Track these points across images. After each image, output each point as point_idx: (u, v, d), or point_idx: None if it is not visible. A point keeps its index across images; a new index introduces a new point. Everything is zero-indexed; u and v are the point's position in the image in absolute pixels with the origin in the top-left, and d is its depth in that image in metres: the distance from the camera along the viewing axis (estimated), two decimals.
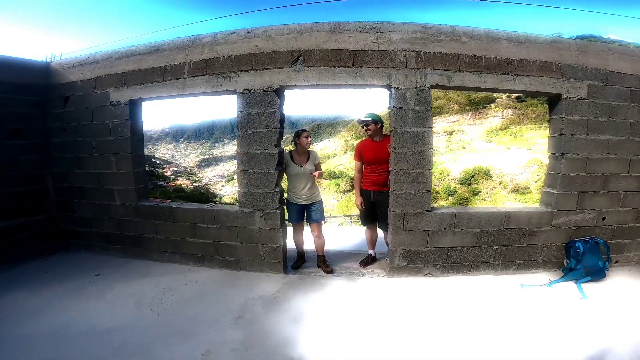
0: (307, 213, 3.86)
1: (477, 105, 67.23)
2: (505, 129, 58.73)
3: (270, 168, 3.57)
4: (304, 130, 3.71)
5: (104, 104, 4.12)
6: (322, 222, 3.89)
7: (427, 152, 3.47)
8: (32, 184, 4.39)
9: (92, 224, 4.47)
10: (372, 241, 4.16)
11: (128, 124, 4.04)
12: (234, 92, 3.60)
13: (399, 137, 3.43)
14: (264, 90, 3.48)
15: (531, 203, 41.26)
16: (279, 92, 3.52)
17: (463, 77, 3.44)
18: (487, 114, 65.40)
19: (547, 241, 3.64)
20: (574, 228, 3.64)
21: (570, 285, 3.36)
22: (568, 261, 3.53)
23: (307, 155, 3.79)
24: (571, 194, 3.62)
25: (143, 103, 4.17)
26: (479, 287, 3.44)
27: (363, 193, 3.90)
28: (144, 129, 4.31)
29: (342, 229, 7.70)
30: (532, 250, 3.65)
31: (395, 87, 3.40)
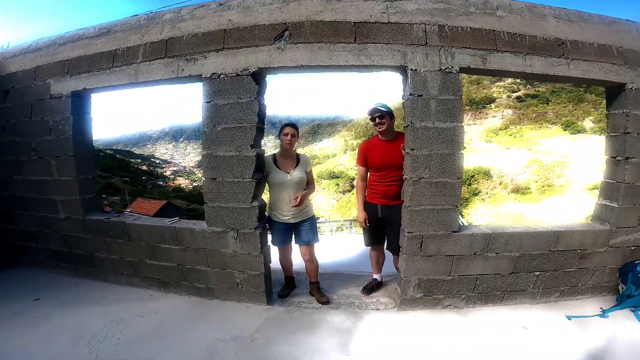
0: (295, 233, 3.00)
1: (477, 105, 66.38)
2: (506, 129, 57.88)
3: (245, 175, 2.69)
4: (288, 124, 2.82)
5: (44, 97, 3.31)
6: (315, 243, 3.03)
7: (456, 154, 2.61)
8: None
9: (37, 239, 3.71)
10: (378, 264, 3.32)
11: (70, 120, 3.20)
12: (198, 77, 2.74)
13: (418, 134, 2.56)
14: (238, 75, 2.62)
15: (532, 203, 40.62)
16: (257, 77, 2.66)
17: (502, 59, 2.60)
18: (486, 114, 64.58)
19: (600, 264, 2.95)
20: (632, 248, 2.95)
21: (627, 314, 2.75)
22: (624, 286, 2.88)
23: (296, 159, 2.93)
24: (634, 207, 2.84)
25: (91, 95, 3.41)
26: (515, 320, 2.76)
27: (368, 207, 3.04)
28: (91, 126, 3.45)
29: (340, 238, 6.82)
30: (581, 274, 2.95)
31: (412, 69, 2.53)
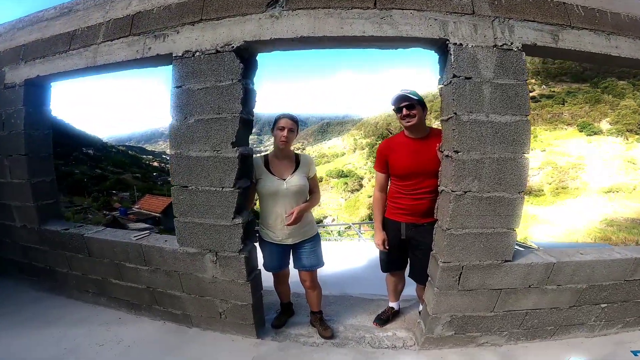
0: (293, 255, 2.33)
1: None
2: None
3: (224, 183, 2.01)
4: (284, 115, 2.13)
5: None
6: (319, 268, 2.36)
7: (519, 160, 1.88)
8: None
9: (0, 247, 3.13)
10: (397, 292, 2.64)
11: (22, 113, 2.61)
12: (168, 57, 2.08)
13: (466, 131, 1.84)
14: (218, 51, 1.94)
15: (545, 206, 39.28)
16: (243, 54, 1.98)
17: (580, 38, 1.93)
18: None
19: None
20: None
21: None
22: None
23: (295, 161, 2.23)
24: None
25: (50, 85, 2.82)
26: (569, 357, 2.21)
27: (388, 225, 2.33)
28: (49, 120, 2.82)
29: (347, 246, 6.12)
30: None
31: (456, 44, 1.82)
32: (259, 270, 2.34)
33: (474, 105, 1.82)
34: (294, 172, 2.16)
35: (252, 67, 2.07)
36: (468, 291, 2.07)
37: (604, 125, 49.52)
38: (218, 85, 1.92)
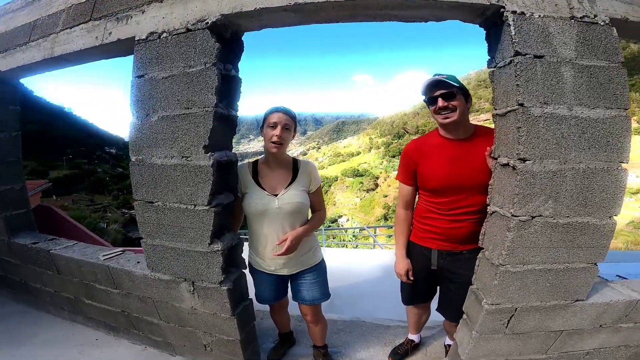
0: (291, 285, 1.84)
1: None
2: None
3: (197, 200, 1.53)
4: (275, 109, 1.57)
5: None
6: (323, 302, 1.85)
7: (615, 172, 1.31)
8: None
9: None
10: (420, 324, 2.12)
11: None
12: (130, 44, 1.62)
13: (537, 130, 1.27)
14: (188, 30, 1.46)
15: None
16: (222, 32, 1.49)
17: None
18: None
19: None
20: None
21: None
22: None
23: (292, 170, 1.68)
24: None
25: (17, 82, 2.44)
26: None
27: (414, 251, 1.78)
28: (16, 120, 2.43)
29: (360, 254, 5.58)
30: None
31: (515, 12, 1.25)
32: (250, 300, 1.87)
33: (551, 93, 1.24)
34: (289, 184, 1.62)
35: (236, 50, 1.59)
36: (518, 334, 1.54)
37: (632, 124, 46.81)
38: (187, 72, 1.44)
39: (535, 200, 1.29)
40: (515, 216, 1.29)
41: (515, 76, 1.24)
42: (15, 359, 2.04)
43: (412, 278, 1.77)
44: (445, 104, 1.45)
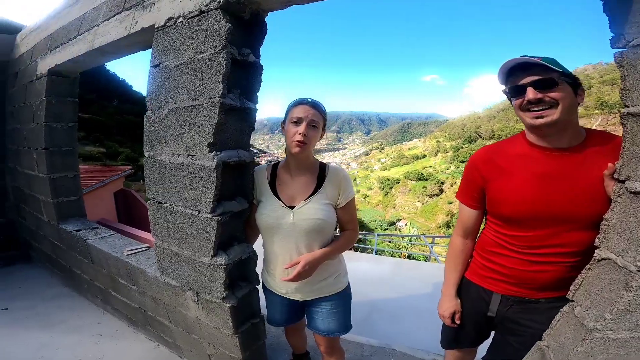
0: (307, 312, 1.56)
1: (611, 108, 53.70)
2: None
3: (200, 205, 1.36)
4: (300, 101, 1.28)
5: (32, 78, 2.60)
6: (342, 334, 1.53)
7: None
8: None
9: (36, 238, 3.14)
10: None
11: (44, 104, 2.41)
12: (150, 31, 1.51)
13: None
14: (201, 12, 1.28)
15: None
16: (238, 11, 1.28)
17: None
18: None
19: None
20: None
21: None
22: None
23: (317, 176, 1.37)
24: None
25: (77, 75, 2.57)
26: None
27: (468, 291, 1.36)
28: (74, 112, 2.57)
29: (407, 266, 5.04)
30: None
31: None
32: (258, 320, 1.66)
33: None
34: (310, 195, 1.31)
35: (256, 33, 1.38)
36: None
37: None
38: (197, 59, 1.27)
39: None
40: None
41: None
42: (35, 343, 2.12)
43: (458, 322, 1.38)
44: (540, 95, 0.99)
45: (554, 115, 0.98)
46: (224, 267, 1.36)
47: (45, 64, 2.40)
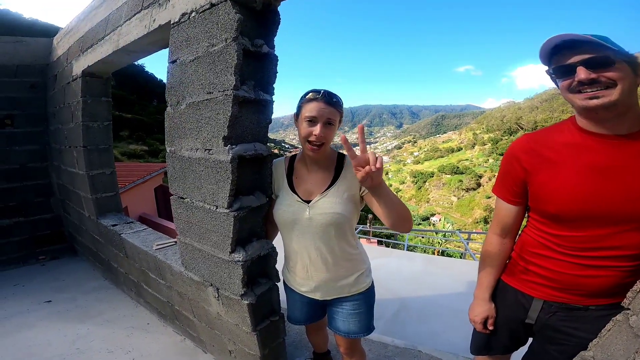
0: (328, 311, 1.50)
1: None
2: None
3: (217, 200, 1.34)
4: (314, 97, 1.16)
5: (69, 79, 2.74)
6: (363, 336, 1.46)
7: None
8: (31, 178, 3.49)
9: (79, 233, 3.35)
10: None
11: (80, 104, 2.53)
12: (167, 27, 1.51)
13: None
14: (212, 5, 1.25)
15: None
16: (246, 1, 1.23)
17: None
18: None
19: None
20: None
21: None
22: None
23: (336, 168, 1.29)
24: None
25: (107, 74, 2.66)
26: None
27: (505, 295, 1.22)
28: (108, 111, 2.69)
29: (443, 261, 4.82)
30: None
31: None
32: (278, 318, 1.63)
33: None
34: (327, 188, 1.24)
35: (269, 23, 1.33)
36: None
37: None
38: (210, 52, 1.24)
39: None
40: None
41: None
42: (72, 334, 2.24)
43: (490, 328, 1.26)
44: (594, 75, 0.85)
45: (611, 96, 0.85)
46: (242, 263, 1.34)
47: (79, 66, 2.51)
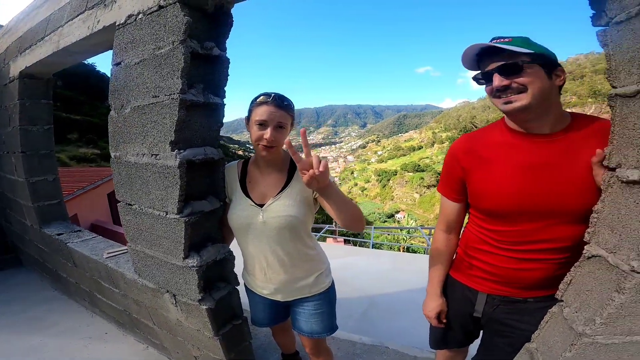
0: (291, 312, 1.51)
1: (604, 97, 54.01)
2: None
3: (167, 206, 1.31)
4: (264, 100, 1.16)
5: (6, 81, 2.52)
6: (327, 336, 1.48)
7: None
8: None
9: (23, 243, 3.09)
10: None
11: (17, 107, 2.35)
12: (112, 29, 1.45)
13: None
14: (160, 7, 1.22)
15: None
16: (198, 4, 1.21)
17: None
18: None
19: None
20: None
21: None
22: None
23: (289, 170, 1.30)
24: None
25: (47, 75, 2.48)
26: None
27: (454, 290, 1.29)
28: (49, 115, 2.51)
29: (407, 258, 5.03)
30: None
31: None
32: (241, 321, 1.62)
33: None
34: (281, 191, 1.24)
35: (221, 25, 1.32)
36: None
37: None
38: (156, 54, 1.21)
39: None
40: (639, 272, 0.76)
41: None
42: (25, 346, 2.09)
43: (444, 321, 1.33)
44: (506, 82, 0.92)
45: (523, 100, 0.91)
46: (197, 269, 1.32)
47: (16, 67, 2.32)
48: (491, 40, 0.95)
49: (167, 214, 1.30)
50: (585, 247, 0.89)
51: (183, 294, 1.45)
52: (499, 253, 1.08)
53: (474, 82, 1.05)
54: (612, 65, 0.79)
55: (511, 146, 1.02)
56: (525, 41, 0.92)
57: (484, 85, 1.01)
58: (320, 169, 0.96)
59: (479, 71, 1.01)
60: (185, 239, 1.29)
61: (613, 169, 0.83)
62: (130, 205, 1.45)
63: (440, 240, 1.29)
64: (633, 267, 0.75)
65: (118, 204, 1.51)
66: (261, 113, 1.15)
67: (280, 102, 1.16)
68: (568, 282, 0.94)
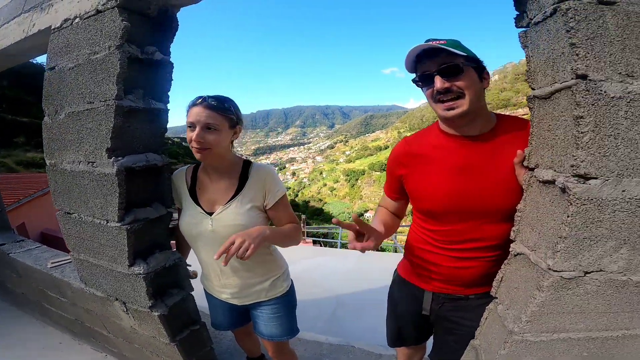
0: (251, 316, 1.50)
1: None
2: None
3: (107, 214, 1.27)
4: (195, 102, 1.13)
5: None
6: (287, 339, 1.48)
7: None
8: None
9: None
10: None
11: None
12: (47, 33, 1.39)
13: (607, 121, 0.68)
14: (98, 11, 1.18)
15: None
16: (139, 8, 1.20)
17: None
18: None
19: None
20: None
21: None
22: None
23: (240, 178, 1.26)
24: None
25: None
26: None
27: (401, 289, 1.34)
28: None
29: (373, 256, 5.14)
30: None
31: None
32: (199, 326, 1.61)
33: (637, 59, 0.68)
34: (231, 199, 1.22)
35: (165, 29, 1.31)
36: None
37: None
38: (92, 59, 1.18)
39: (597, 247, 0.75)
40: (556, 271, 0.77)
41: (567, 30, 0.68)
42: None
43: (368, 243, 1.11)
44: (447, 84, 0.93)
45: (463, 106, 0.94)
46: (144, 276, 1.30)
47: None
48: (426, 42, 0.95)
49: (108, 222, 1.27)
50: (511, 245, 0.93)
51: (133, 302, 1.42)
52: (439, 252, 1.12)
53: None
54: (531, 66, 0.83)
55: (445, 148, 1.06)
56: (457, 44, 0.95)
57: (424, 89, 1.00)
58: (238, 255, 1.06)
59: (422, 72, 0.99)
60: (129, 247, 1.26)
61: (532, 169, 0.86)
62: (70, 214, 1.40)
63: (381, 209, 1.34)
64: (549, 265, 0.77)
65: (57, 213, 1.45)
66: (190, 115, 1.13)
67: (210, 104, 1.12)
68: (500, 280, 0.98)
